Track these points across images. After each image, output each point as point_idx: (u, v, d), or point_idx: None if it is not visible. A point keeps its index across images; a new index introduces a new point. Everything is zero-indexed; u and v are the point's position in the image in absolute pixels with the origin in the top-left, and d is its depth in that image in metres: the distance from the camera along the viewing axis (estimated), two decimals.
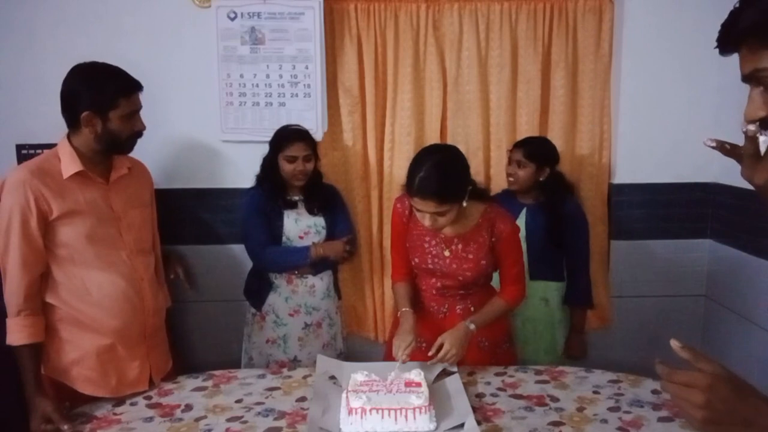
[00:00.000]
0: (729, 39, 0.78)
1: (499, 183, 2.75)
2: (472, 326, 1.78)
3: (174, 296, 2.19)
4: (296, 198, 2.33)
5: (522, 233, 2.31)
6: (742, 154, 0.83)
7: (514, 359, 2.04)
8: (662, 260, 2.79)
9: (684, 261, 2.76)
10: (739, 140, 1.04)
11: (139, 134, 1.71)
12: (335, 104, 2.72)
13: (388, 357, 2.03)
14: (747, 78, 0.79)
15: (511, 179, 2.38)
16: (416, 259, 1.90)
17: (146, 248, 1.80)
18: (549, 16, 2.67)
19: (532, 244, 2.35)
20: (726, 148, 0.88)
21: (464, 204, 1.74)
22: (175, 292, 2.26)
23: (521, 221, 2.37)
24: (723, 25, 0.79)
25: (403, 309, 1.86)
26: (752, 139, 0.80)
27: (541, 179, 2.34)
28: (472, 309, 1.90)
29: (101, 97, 1.58)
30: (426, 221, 1.72)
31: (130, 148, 1.72)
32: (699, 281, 2.80)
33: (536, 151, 2.34)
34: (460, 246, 1.85)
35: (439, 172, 1.65)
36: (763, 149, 0.83)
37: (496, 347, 1.97)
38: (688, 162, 2.69)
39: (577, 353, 2.42)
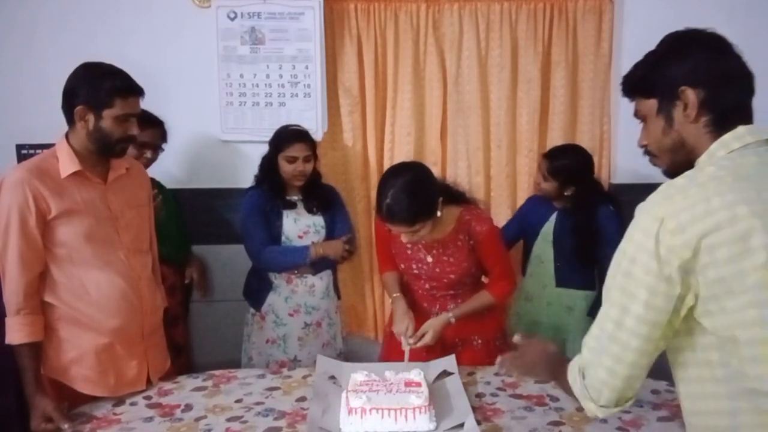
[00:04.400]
0: (623, 89, 1.16)
1: (499, 183, 2.76)
2: (453, 319, 1.86)
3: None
4: (295, 198, 2.33)
5: (549, 238, 2.32)
6: None
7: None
8: None
9: None
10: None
11: (132, 139, 1.68)
12: (335, 104, 2.72)
13: (387, 350, 2.05)
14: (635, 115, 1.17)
15: (537, 186, 2.37)
16: (402, 265, 1.96)
17: (143, 248, 1.80)
18: (549, 16, 2.67)
19: (560, 250, 2.31)
20: None
21: (438, 214, 1.77)
22: None
23: (550, 225, 2.33)
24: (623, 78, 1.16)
25: (394, 295, 1.93)
26: None
27: (566, 194, 2.28)
28: (452, 321, 1.91)
29: (97, 94, 1.57)
30: (403, 238, 1.79)
31: (122, 153, 1.68)
32: None
33: (561, 168, 2.26)
34: (440, 250, 1.88)
35: (404, 196, 1.68)
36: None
37: (489, 344, 1.98)
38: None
39: None
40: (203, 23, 2.59)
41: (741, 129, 1.00)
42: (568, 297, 2.33)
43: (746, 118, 1.04)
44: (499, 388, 1.71)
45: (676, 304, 0.95)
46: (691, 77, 1.03)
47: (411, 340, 1.80)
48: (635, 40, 2.64)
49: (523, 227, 2.44)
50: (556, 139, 2.67)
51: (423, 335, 1.83)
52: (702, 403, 1.00)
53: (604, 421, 1.51)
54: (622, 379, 1.02)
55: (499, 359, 1.37)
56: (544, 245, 2.33)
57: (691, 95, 1.03)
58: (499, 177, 2.75)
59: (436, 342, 1.86)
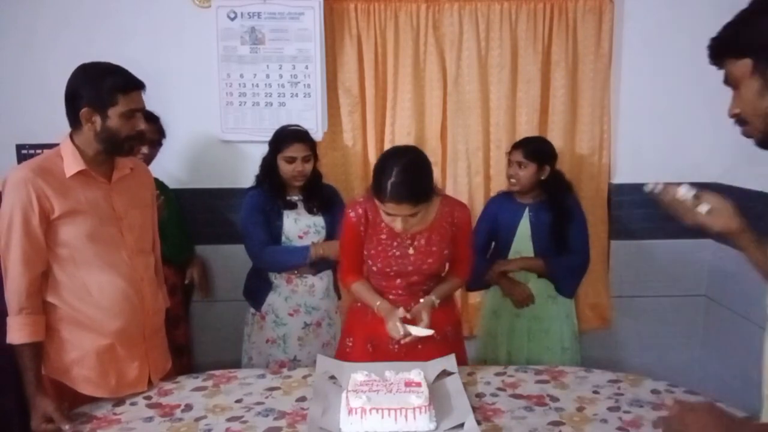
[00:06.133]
0: (710, 53, 1.05)
1: (499, 183, 2.76)
2: (437, 301, 1.87)
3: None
4: (295, 198, 2.33)
5: (527, 233, 2.35)
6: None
7: (462, 346, 2.05)
8: (662, 260, 2.79)
9: (685, 261, 2.76)
10: (741, 139, 1.04)
11: (140, 135, 1.68)
12: (335, 104, 2.72)
13: (341, 351, 2.02)
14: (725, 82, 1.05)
15: (512, 180, 2.35)
16: (378, 265, 1.89)
17: (146, 248, 1.80)
18: (549, 16, 2.67)
19: (539, 243, 2.34)
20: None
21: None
22: None
23: (525, 221, 2.35)
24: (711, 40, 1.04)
25: (378, 303, 1.85)
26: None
27: (542, 178, 2.32)
28: (436, 303, 1.89)
29: (100, 94, 1.57)
30: (398, 224, 1.73)
31: (131, 150, 1.69)
32: (699, 281, 2.80)
33: (536, 150, 2.32)
34: (423, 241, 1.87)
35: (410, 175, 1.67)
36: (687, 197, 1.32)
37: (447, 337, 1.95)
38: (688, 162, 2.69)
39: (522, 299, 2.35)
40: (203, 23, 2.59)
41: None
42: (551, 287, 2.38)
43: None
44: (499, 388, 1.71)
45: None
46: None
47: (409, 329, 1.74)
48: (635, 40, 2.64)
49: (495, 228, 2.44)
50: (556, 138, 2.67)
51: (417, 321, 1.77)
52: None
53: (605, 421, 1.51)
54: None
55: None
56: (523, 241, 2.36)
57: None
58: (499, 177, 2.75)
59: (405, 338, 1.79)
